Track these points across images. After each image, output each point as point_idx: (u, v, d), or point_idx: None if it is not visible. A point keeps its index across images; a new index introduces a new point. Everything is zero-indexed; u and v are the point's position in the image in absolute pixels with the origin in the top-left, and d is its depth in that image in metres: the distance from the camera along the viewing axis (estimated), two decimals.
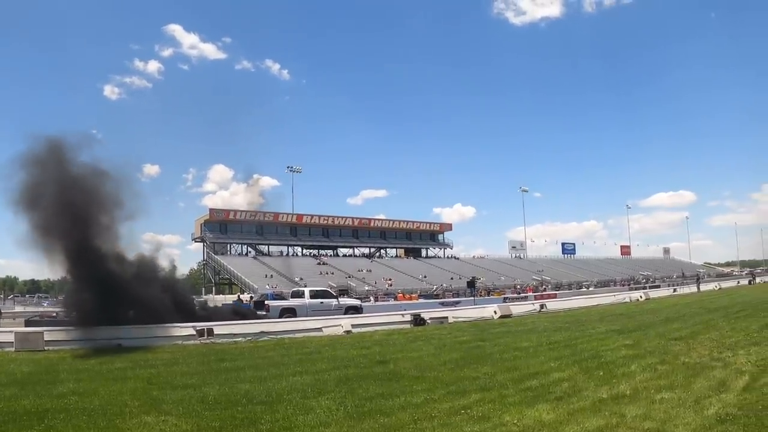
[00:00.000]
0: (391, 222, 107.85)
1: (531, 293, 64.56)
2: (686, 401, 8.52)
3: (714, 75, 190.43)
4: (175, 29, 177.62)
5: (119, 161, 22.77)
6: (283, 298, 37.99)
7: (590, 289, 76.14)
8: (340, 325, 23.79)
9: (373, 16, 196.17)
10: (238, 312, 30.41)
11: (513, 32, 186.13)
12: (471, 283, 59.83)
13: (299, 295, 34.26)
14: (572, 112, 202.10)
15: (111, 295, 20.11)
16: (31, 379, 12.59)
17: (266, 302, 33.74)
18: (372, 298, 57.58)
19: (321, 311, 30.65)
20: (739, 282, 71.19)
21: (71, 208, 20.04)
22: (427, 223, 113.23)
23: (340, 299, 35.01)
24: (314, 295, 33.72)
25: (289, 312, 30.68)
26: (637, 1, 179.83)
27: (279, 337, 21.68)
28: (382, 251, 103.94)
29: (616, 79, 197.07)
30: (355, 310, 33.45)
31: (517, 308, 34.03)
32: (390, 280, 76.64)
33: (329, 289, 41.03)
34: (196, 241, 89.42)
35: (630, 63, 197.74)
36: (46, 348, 18.46)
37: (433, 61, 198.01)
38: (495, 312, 30.26)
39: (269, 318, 28.01)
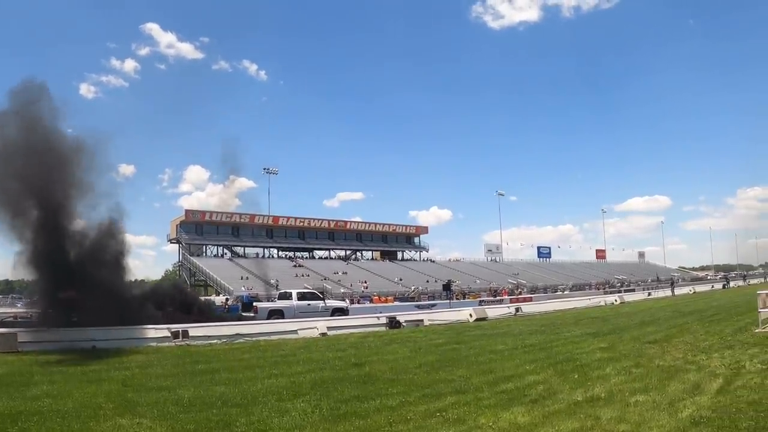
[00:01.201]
0: (367, 224, 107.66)
1: (506, 296, 64.71)
2: (661, 404, 8.58)
3: (691, 80, 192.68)
4: (152, 28, 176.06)
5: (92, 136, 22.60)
6: (258, 300, 38.02)
7: (565, 292, 76.62)
8: (315, 327, 23.76)
9: (351, 19, 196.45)
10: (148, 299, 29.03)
11: (491, 36, 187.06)
12: (447, 286, 59.99)
13: (287, 297, 34.42)
14: (549, 116, 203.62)
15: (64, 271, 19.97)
16: (4, 380, 12.42)
17: (255, 304, 33.90)
18: (347, 301, 57.49)
19: (308, 313, 30.78)
20: (713, 286, 72.13)
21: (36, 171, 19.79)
22: (403, 225, 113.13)
23: (326, 301, 35.27)
24: (302, 297, 34.06)
25: (277, 314, 30.90)
26: (615, 6, 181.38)
27: (254, 339, 21.61)
28: (358, 254, 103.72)
29: (593, 84, 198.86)
30: (342, 311, 33.84)
31: (493, 311, 34.19)
32: (366, 282, 76.51)
33: (316, 291, 41.22)
34: (171, 243, 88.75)
35: (607, 68, 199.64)
36: (19, 349, 18.22)
37: (410, 63, 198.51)
38: (470, 315, 30.40)
39: (258, 319, 28.11)
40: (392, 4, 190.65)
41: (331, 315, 31.75)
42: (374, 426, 7.93)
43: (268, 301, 39.62)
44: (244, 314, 32.65)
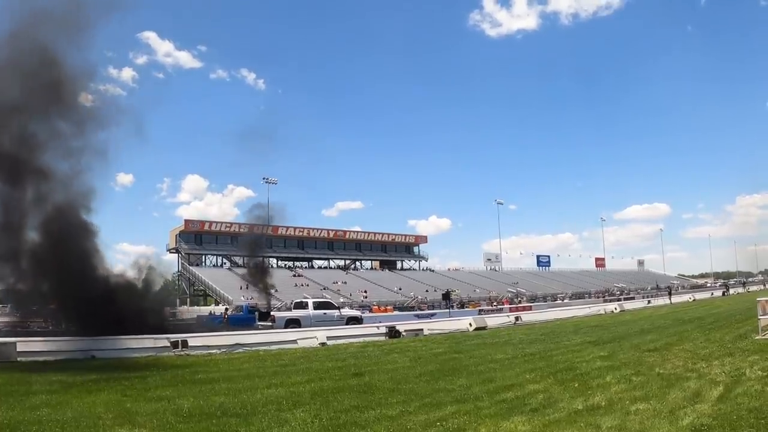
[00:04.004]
0: (367, 234, 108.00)
1: (506, 305, 64.70)
2: (661, 412, 8.56)
3: (689, 87, 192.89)
4: (150, 36, 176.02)
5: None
6: (258, 310, 38.12)
7: (565, 301, 76.68)
8: (315, 337, 23.70)
9: (349, 28, 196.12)
10: None
11: (489, 44, 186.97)
12: (446, 296, 59.99)
13: (303, 306, 34.76)
14: (547, 124, 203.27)
15: None
16: (3, 390, 12.35)
17: (272, 313, 34.21)
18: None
19: (324, 322, 31.08)
20: (713, 293, 72.03)
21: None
22: (402, 235, 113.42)
23: (341, 310, 35.64)
24: (317, 306, 34.48)
25: (294, 323, 31.19)
26: (614, 14, 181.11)
27: (254, 349, 21.57)
28: (358, 263, 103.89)
29: (591, 91, 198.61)
30: (356, 320, 34.22)
31: (493, 320, 34.16)
32: (365, 292, 76.52)
33: (331, 301, 41.59)
34: (171, 252, 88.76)
35: (606, 75, 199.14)
36: (18, 359, 18.16)
37: (408, 72, 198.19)
38: (470, 324, 30.35)
39: (275, 328, 28.34)
40: (390, 12, 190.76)
41: (346, 324, 32.14)
42: None
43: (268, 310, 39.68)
44: (260, 323, 33.00)
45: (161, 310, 30.45)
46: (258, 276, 51.71)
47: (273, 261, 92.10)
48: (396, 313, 54.73)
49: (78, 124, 22.26)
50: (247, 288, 68.48)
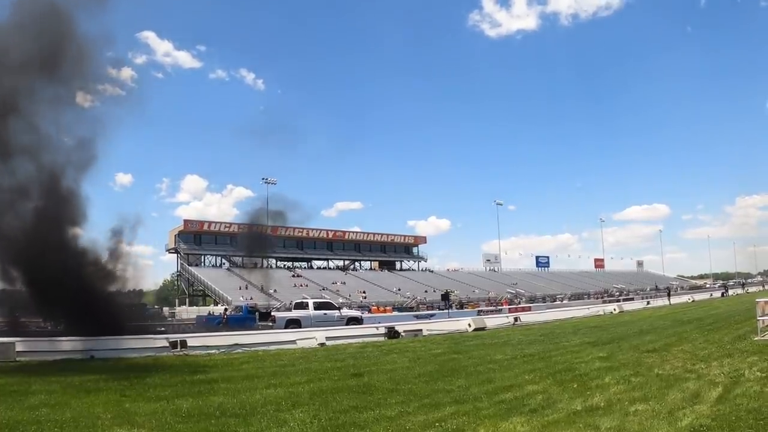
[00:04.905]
0: (366, 234, 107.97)
1: (505, 306, 64.68)
2: (660, 413, 8.55)
3: (689, 88, 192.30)
4: (149, 36, 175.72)
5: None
6: (258, 311, 38.17)
7: (564, 301, 76.55)
8: (314, 337, 23.67)
9: (348, 28, 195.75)
10: None
11: (488, 44, 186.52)
12: (445, 296, 60.00)
13: (303, 306, 34.83)
14: (547, 124, 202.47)
15: None
16: (2, 390, 12.34)
17: (273, 313, 34.33)
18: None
19: (324, 322, 31.12)
20: (712, 294, 71.87)
21: None
22: (401, 235, 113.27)
23: (342, 311, 35.74)
24: (318, 306, 34.61)
25: (294, 323, 31.24)
26: (613, 14, 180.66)
27: (253, 349, 21.55)
28: (357, 264, 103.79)
29: (591, 92, 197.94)
30: (356, 321, 34.33)
31: (492, 321, 34.13)
32: (364, 292, 76.52)
33: (332, 301, 41.72)
34: (170, 252, 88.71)
35: (605, 76, 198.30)
36: (17, 359, 18.15)
37: (407, 72, 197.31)
38: (469, 325, 30.31)
39: (276, 329, 28.36)
40: (389, 12, 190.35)
41: (347, 324, 32.18)
42: None
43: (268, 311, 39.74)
44: (261, 323, 33.09)
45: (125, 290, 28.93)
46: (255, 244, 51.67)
47: (272, 261, 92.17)
48: (395, 313, 54.71)
49: (77, 89, 21.96)
50: (246, 288, 68.58)
